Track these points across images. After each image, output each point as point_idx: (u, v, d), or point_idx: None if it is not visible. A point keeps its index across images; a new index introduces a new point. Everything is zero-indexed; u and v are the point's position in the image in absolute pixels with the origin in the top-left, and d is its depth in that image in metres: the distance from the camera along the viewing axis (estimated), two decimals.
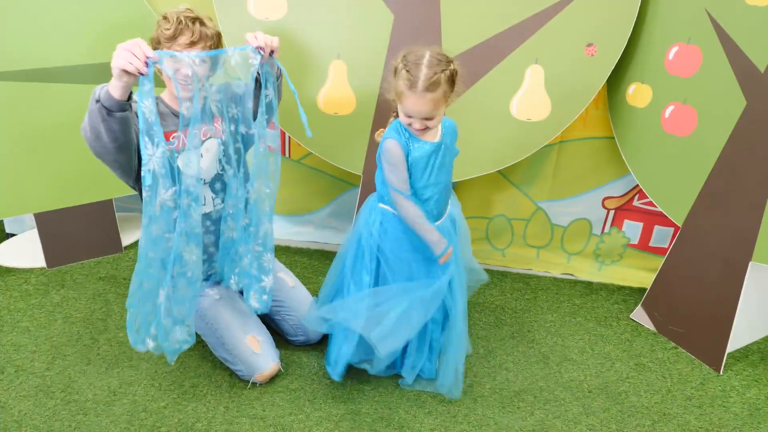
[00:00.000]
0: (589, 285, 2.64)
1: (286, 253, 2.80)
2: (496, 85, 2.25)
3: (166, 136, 1.79)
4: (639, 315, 2.41)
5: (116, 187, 2.63)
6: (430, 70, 1.61)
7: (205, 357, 2.12)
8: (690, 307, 2.23)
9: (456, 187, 2.68)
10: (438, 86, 1.61)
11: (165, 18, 1.76)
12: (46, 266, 2.61)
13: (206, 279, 2.07)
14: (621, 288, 2.63)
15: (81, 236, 2.64)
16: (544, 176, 2.62)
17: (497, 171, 2.51)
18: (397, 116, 1.78)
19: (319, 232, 2.90)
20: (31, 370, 2.02)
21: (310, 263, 2.74)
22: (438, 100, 1.64)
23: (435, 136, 1.76)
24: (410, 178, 1.76)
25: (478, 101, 2.27)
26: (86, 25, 2.40)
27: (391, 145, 1.73)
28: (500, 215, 2.74)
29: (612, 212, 2.64)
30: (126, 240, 2.80)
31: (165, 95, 1.89)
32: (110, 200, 2.66)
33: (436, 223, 1.83)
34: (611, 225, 2.66)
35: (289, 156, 2.75)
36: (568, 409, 1.95)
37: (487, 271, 2.69)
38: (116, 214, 2.70)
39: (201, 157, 1.88)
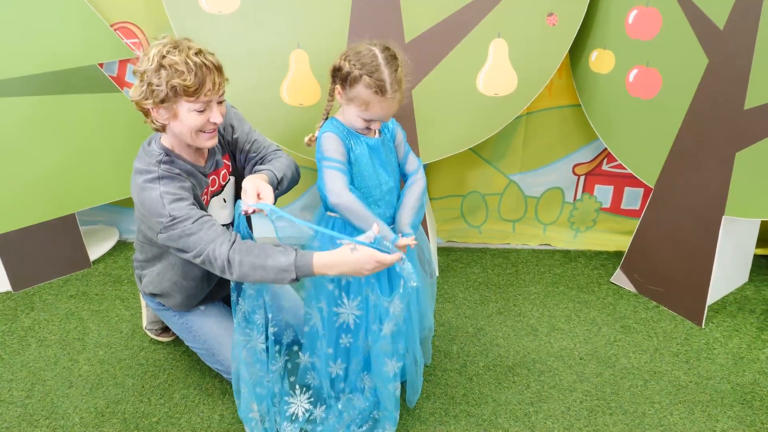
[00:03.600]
0: (567, 253, 2.68)
1: None
2: (461, 63, 2.23)
3: (198, 197, 1.68)
4: (619, 278, 2.45)
5: (78, 200, 2.53)
6: (390, 68, 1.49)
7: (193, 366, 2.07)
8: (668, 266, 2.28)
9: (428, 168, 2.67)
10: (401, 82, 1.53)
11: (171, 67, 1.45)
12: (12, 290, 2.49)
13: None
14: (598, 253, 2.67)
15: (46, 255, 2.53)
16: (514, 149, 2.62)
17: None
18: (327, 118, 1.68)
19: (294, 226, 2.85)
20: (10, 400, 1.93)
21: None
22: (402, 97, 1.56)
23: (375, 133, 1.67)
24: (356, 179, 1.63)
25: (444, 80, 2.24)
26: (31, 35, 2.27)
27: (329, 136, 1.59)
28: (474, 192, 2.74)
29: (582, 178, 2.66)
30: (93, 254, 2.70)
31: (175, 146, 1.64)
32: (72, 214, 2.55)
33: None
34: (583, 191, 2.68)
35: None
36: (563, 378, 1.98)
37: (466, 249, 2.71)
38: (80, 228, 2.59)
39: (225, 203, 1.83)
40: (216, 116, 1.56)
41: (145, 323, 2.20)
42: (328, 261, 1.48)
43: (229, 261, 1.49)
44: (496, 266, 2.59)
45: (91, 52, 2.41)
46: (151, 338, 2.21)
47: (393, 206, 1.72)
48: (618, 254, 2.63)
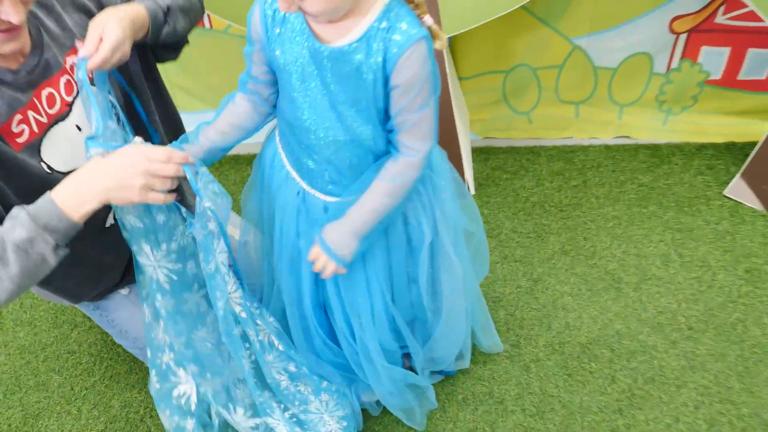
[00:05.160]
0: (655, 150, 1.90)
1: (232, 166, 2.05)
2: None
3: (6, 130, 0.96)
4: (738, 190, 1.70)
5: None
6: None
7: (137, 361, 1.50)
8: None
9: (454, 39, 1.84)
10: None
11: None
12: None
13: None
14: (701, 148, 1.88)
15: None
16: (580, 0, 1.76)
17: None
18: None
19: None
20: None
21: None
22: None
23: (341, 36, 0.86)
24: (280, 102, 1.01)
25: None
26: None
27: (253, 9, 0.94)
28: (521, 65, 1.93)
29: (683, 37, 1.81)
30: None
31: None
32: None
33: (342, 199, 1.02)
34: (682, 57, 1.85)
35: (211, 26, 1.90)
36: (665, 362, 1.34)
37: (511, 149, 1.98)
38: None
39: (81, 131, 1.08)
40: (9, 11, 0.83)
41: None
42: (75, 185, 0.89)
43: None
44: (556, 175, 1.85)
45: None
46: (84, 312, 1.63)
47: (339, 170, 0.98)
48: (731, 148, 1.85)
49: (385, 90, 0.88)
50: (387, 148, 0.97)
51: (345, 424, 1.20)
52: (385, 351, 1.13)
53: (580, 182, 1.81)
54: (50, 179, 0.99)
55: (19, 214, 0.86)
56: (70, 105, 1.04)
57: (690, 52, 1.84)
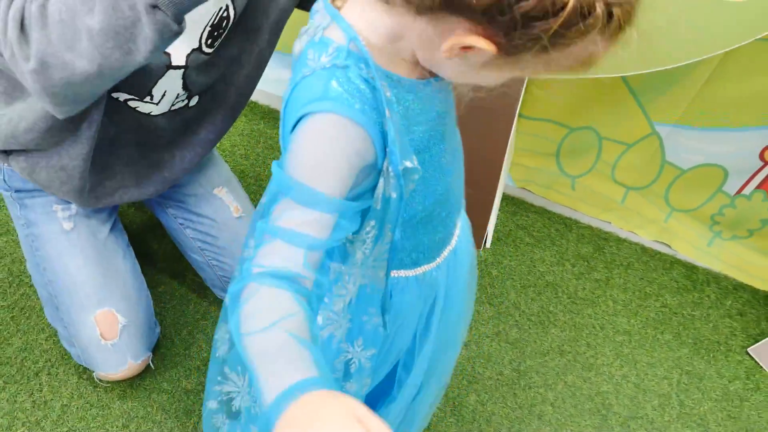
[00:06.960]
0: (691, 271, 1.72)
1: (249, 117, 1.81)
2: None
3: None
4: (762, 352, 1.54)
5: None
6: None
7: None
8: None
9: (533, 83, 1.63)
10: None
11: None
12: None
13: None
14: (738, 288, 1.70)
15: None
16: (684, 86, 1.55)
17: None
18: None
19: None
20: None
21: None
22: None
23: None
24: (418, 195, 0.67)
25: None
26: None
27: (327, 128, 0.54)
28: (589, 128, 1.72)
29: None
30: None
31: None
32: None
33: (437, 261, 0.75)
34: (758, 186, 1.66)
35: None
36: None
37: (544, 212, 1.78)
38: None
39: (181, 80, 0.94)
40: None
41: None
42: None
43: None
44: (580, 259, 1.66)
45: None
46: None
47: (454, 211, 0.75)
48: None
49: None
50: None
51: None
52: None
53: (603, 278, 1.62)
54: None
55: None
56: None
57: None
